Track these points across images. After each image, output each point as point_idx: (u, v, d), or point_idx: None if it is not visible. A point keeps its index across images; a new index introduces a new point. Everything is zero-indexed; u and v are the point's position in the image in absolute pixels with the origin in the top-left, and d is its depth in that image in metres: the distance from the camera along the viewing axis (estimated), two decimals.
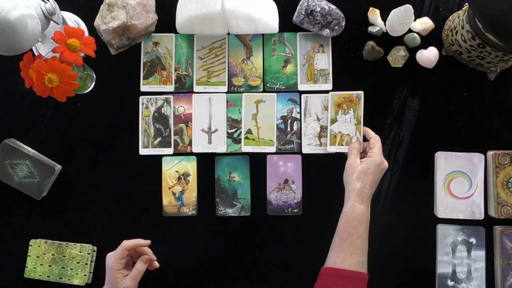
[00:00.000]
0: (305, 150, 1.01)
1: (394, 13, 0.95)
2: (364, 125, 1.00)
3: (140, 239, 0.92)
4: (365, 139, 0.98)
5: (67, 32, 0.84)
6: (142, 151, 1.01)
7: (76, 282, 0.97)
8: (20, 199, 0.99)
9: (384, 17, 0.99)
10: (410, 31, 1.00)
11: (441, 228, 0.98)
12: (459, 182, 0.98)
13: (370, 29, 1.00)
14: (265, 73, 1.02)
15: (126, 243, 0.90)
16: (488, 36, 0.85)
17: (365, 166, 0.91)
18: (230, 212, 1.01)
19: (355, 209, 0.88)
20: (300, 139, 1.01)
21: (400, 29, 0.98)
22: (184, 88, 1.02)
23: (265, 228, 1.01)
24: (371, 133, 0.97)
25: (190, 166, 1.01)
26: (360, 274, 0.84)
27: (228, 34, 1.02)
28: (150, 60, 1.02)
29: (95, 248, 0.99)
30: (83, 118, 1.01)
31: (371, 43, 0.99)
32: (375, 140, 0.95)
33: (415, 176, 1.00)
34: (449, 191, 0.98)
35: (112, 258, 0.89)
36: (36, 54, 0.98)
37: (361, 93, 1.00)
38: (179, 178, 1.01)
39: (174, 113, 1.02)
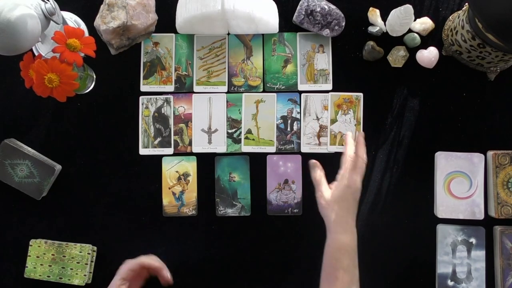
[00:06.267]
0: (304, 149, 1.01)
1: (394, 13, 0.95)
2: (364, 125, 1.00)
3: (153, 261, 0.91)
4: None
5: (67, 32, 0.84)
6: (142, 151, 1.01)
7: (76, 282, 0.97)
8: (20, 199, 0.99)
9: (384, 17, 0.99)
10: (410, 31, 1.00)
11: (441, 228, 0.98)
12: (459, 182, 0.98)
13: (370, 29, 1.00)
14: (265, 73, 1.02)
15: (144, 260, 0.89)
16: (488, 36, 0.85)
17: (336, 193, 0.85)
18: (230, 212, 1.00)
19: (337, 241, 0.83)
20: (300, 138, 1.01)
21: (400, 29, 0.98)
22: (184, 88, 1.02)
23: (265, 228, 1.01)
24: (346, 147, 0.91)
25: (190, 166, 1.01)
26: None
27: (228, 34, 1.02)
28: (150, 60, 1.02)
29: (95, 248, 0.99)
30: (83, 118, 1.01)
31: (371, 43, 0.99)
32: (344, 159, 0.89)
33: (415, 176, 1.00)
34: (449, 191, 0.98)
35: (125, 265, 0.88)
36: (36, 54, 0.98)
37: (361, 95, 1.00)
38: (179, 178, 1.01)
39: (174, 113, 1.02)
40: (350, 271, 0.81)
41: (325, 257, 0.84)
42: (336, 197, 0.86)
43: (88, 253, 0.97)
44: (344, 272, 0.80)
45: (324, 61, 1.02)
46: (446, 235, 0.98)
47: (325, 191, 0.88)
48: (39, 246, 0.97)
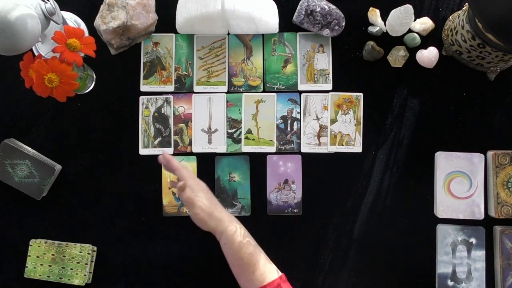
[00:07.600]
0: (304, 149, 1.01)
1: (394, 13, 0.95)
2: (364, 125, 1.01)
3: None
4: None
5: (67, 32, 0.84)
6: (142, 151, 1.01)
7: (76, 282, 0.97)
8: (20, 199, 0.99)
9: (384, 17, 0.99)
10: (410, 31, 1.00)
11: (441, 228, 0.98)
12: (459, 182, 0.98)
13: (370, 29, 1.00)
14: (265, 73, 1.02)
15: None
16: (488, 36, 0.85)
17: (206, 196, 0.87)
18: (230, 212, 1.00)
19: (230, 233, 0.87)
20: (300, 138, 1.01)
21: (400, 29, 0.98)
22: (184, 88, 1.02)
23: (265, 228, 1.01)
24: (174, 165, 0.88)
25: (190, 166, 1.01)
26: (274, 282, 0.83)
27: (228, 34, 1.02)
28: (150, 60, 1.02)
29: (95, 248, 0.99)
30: (83, 118, 1.01)
31: (371, 43, 0.99)
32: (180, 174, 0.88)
33: (415, 176, 1.00)
34: (449, 191, 0.98)
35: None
36: (36, 54, 0.98)
37: (361, 95, 1.00)
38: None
39: (174, 113, 1.02)
40: (253, 248, 0.87)
41: (229, 255, 0.87)
42: (209, 199, 0.87)
43: (88, 253, 0.97)
44: (248, 254, 0.85)
45: (324, 61, 1.02)
46: (446, 235, 0.98)
47: (201, 201, 0.87)
48: (39, 246, 0.97)
